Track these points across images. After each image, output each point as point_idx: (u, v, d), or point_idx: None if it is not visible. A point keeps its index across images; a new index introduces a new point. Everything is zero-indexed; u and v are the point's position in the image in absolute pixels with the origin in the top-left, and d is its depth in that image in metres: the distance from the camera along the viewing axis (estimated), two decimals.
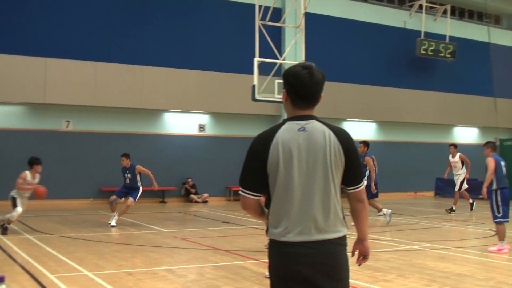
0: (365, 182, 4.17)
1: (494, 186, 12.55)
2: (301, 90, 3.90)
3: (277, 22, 23.76)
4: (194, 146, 26.62)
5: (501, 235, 12.47)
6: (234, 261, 11.23)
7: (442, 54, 32.21)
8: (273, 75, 21.55)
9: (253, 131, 25.24)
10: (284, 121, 3.95)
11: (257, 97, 20.76)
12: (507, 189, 12.57)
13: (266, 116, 27.47)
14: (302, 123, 3.89)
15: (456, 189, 22.05)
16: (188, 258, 11.72)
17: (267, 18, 21.87)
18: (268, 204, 3.98)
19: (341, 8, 30.39)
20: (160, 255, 11.91)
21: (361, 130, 30.78)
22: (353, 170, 3.95)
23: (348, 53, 30.33)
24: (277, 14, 25.35)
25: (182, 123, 26.58)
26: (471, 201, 22.19)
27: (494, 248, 12.55)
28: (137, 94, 24.78)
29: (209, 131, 27.14)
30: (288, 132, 3.86)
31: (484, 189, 12.76)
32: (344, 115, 29.94)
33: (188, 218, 20.39)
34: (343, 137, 3.91)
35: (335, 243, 3.84)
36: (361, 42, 30.90)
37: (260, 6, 21.41)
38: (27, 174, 14.71)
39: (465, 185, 22.19)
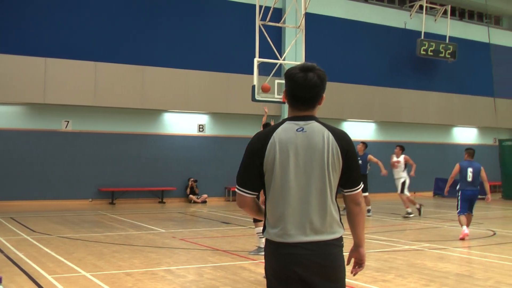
0: (362, 185, 4.08)
1: (458, 187, 15.31)
2: (296, 93, 3.90)
3: (278, 22, 23.74)
4: (194, 147, 26.57)
5: (461, 223, 15.08)
6: (233, 261, 11.22)
7: (442, 55, 32.18)
8: (273, 76, 21.55)
9: (252, 131, 25.10)
10: (284, 121, 3.94)
11: (257, 97, 20.76)
12: (468, 191, 15.13)
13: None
14: (301, 123, 3.88)
15: (399, 191, 21.24)
16: (187, 258, 11.71)
17: (268, 18, 21.86)
18: (265, 206, 3.97)
19: (342, 9, 30.35)
20: (159, 255, 11.91)
21: (362, 131, 30.77)
22: (351, 173, 3.92)
23: (348, 53, 30.31)
24: (278, 14, 25.32)
25: (181, 123, 26.52)
26: (418, 206, 20.87)
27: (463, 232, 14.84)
28: (137, 95, 24.74)
29: (208, 131, 27.10)
30: (286, 131, 3.86)
31: (446, 189, 15.85)
32: (345, 116, 29.92)
33: (187, 218, 20.37)
34: (342, 139, 3.89)
35: (331, 244, 3.83)
36: (362, 42, 30.86)
37: (260, 6, 21.41)
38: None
39: (407, 192, 21.03)
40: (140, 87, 24.74)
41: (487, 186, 15.51)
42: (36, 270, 10.02)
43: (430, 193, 31.74)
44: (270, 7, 22.23)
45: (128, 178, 24.98)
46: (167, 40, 25.77)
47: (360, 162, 20.09)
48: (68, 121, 24.14)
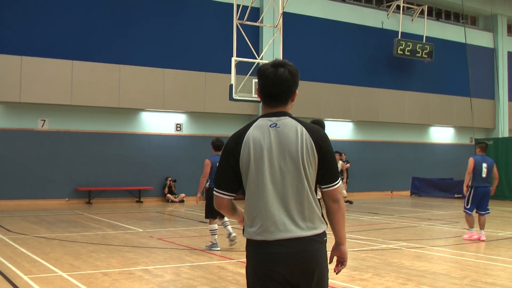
0: (340, 182, 4.06)
1: (470, 183, 14.45)
2: (267, 89, 3.91)
3: (255, 21, 23.75)
4: (171, 146, 26.49)
5: (469, 224, 14.63)
6: (210, 261, 11.20)
7: (419, 54, 32.38)
8: (251, 75, 21.53)
9: (230, 130, 25.16)
10: (257, 118, 3.93)
11: (235, 96, 20.76)
12: (481, 187, 14.41)
13: (243, 116, 27.41)
14: (274, 119, 3.87)
15: None
16: (164, 258, 11.67)
17: (245, 18, 21.86)
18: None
19: (319, 8, 30.40)
20: (136, 255, 11.84)
21: (339, 130, 30.86)
22: (327, 168, 3.88)
23: (326, 53, 30.37)
24: (255, 13, 25.33)
25: (159, 123, 26.43)
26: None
27: (466, 236, 14.56)
28: (114, 93, 24.59)
29: (186, 131, 27.02)
30: (259, 128, 3.85)
31: (464, 188, 14.64)
32: (322, 115, 29.94)
33: (164, 218, 20.30)
34: (317, 134, 3.86)
35: (313, 240, 3.78)
36: (339, 42, 30.95)
37: (238, 6, 21.40)
38: None
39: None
40: (116, 86, 24.61)
41: (495, 183, 15.00)
42: (11, 270, 9.92)
43: (407, 192, 31.92)
44: (248, 6, 22.22)
45: (105, 177, 24.84)
46: (144, 39, 25.66)
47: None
48: (44, 120, 23.94)
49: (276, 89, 3.88)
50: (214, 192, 3.97)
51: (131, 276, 9.68)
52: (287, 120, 3.87)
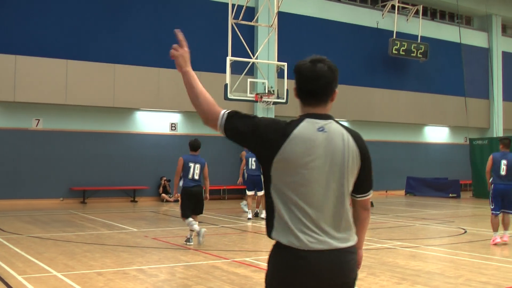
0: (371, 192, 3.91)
1: (491, 181, 13.83)
2: (303, 85, 3.68)
3: (250, 21, 23.76)
4: (166, 145, 26.43)
5: (492, 227, 13.72)
6: (205, 260, 11.18)
7: (414, 54, 32.40)
8: (246, 74, 21.55)
9: None
10: (302, 118, 3.66)
11: (230, 96, 20.79)
12: (500, 185, 13.65)
13: None
14: (322, 122, 3.63)
15: None
16: (159, 257, 11.65)
17: (240, 17, 21.88)
18: (269, 204, 3.63)
19: (314, 8, 30.39)
20: (131, 255, 11.82)
21: None
22: (366, 177, 3.75)
23: (321, 52, 29.67)
24: (250, 13, 25.31)
25: (154, 122, 26.38)
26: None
27: (491, 241, 13.68)
28: (109, 93, 24.54)
29: (181, 130, 26.98)
30: (308, 131, 3.58)
31: (488, 185, 13.98)
32: None
33: (159, 217, 20.27)
34: (361, 142, 3.74)
35: (347, 251, 3.60)
36: (334, 41, 30.94)
37: (233, 5, 21.43)
38: None
39: None
40: (111, 85, 24.55)
41: None
42: (5, 270, 9.89)
43: (402, 192, 31.95)
44: (243, 6, 22.23)
45: (99, 177, 24.80)
46: (139, 38, 25.60)
47: None
48: (39, 120, 23.89)
49: (313, 85, 3.65)
50: (221, 118, 3.65)
51: (125, 276, 9.66)
52: (333, 125, 3.66)
